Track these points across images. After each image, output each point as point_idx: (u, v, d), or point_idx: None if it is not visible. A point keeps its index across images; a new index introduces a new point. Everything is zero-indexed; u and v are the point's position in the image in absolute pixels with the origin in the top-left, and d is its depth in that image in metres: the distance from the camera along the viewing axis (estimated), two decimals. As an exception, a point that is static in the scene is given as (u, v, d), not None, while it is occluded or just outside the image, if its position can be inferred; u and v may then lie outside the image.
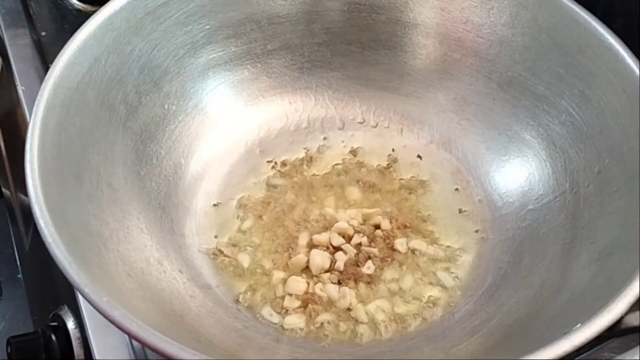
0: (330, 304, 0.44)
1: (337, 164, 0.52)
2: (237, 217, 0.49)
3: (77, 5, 0.58)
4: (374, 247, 0.46)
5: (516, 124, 0.50)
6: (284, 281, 0.45)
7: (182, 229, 0.47)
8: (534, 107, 0.49)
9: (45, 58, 0.54)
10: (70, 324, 0.45)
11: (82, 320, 0.43)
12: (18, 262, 0.80)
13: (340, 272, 0.45)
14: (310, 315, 0.44)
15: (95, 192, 0.42)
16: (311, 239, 0.47)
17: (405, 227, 0.48)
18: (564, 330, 0.34)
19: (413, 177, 0.51)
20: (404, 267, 0.46)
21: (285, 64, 0.53)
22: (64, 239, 0.35)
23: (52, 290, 0.52)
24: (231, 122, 0.52)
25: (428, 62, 0.52)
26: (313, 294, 0.44)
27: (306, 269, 0.46)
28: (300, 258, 0.46)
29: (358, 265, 0.46)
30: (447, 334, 0.43)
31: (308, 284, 0.45)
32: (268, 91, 0.53)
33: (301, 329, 0.43)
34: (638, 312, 0.37)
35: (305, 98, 0.54)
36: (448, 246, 0.48)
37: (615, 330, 0.37)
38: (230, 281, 0.45)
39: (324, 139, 0.53)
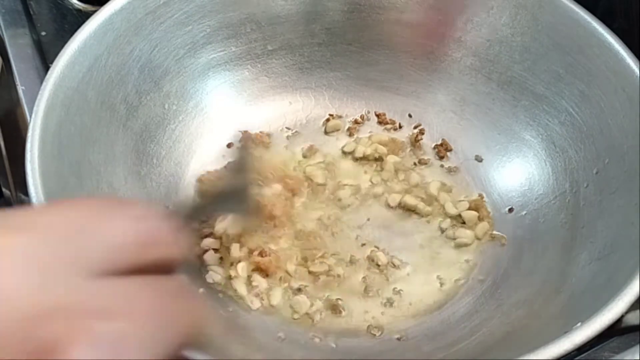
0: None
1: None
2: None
3: (77, 5, 0.58)
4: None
5: (516, 124, 0.50)
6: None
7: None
8: (534, 107, 0.49)
9: (45, 58, 0.54)
10: (71, 324, 0.45)
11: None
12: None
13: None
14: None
15: (96, 192, 0.42)
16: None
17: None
18: (565, 330, 0.34)
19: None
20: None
21: (285, 64, 0.53)
22: (65, 238, 0.35)
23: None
24: (231, 122, 0.52)
25: (428, 62, 0.52)
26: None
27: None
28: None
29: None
30: (447, 334, 0.43)
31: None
32: (268, 91, 0.53)
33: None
34: (638, 311, 0.37)
35: (305, 98, 0.54)
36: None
37: (615, 329, 0.38)
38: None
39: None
